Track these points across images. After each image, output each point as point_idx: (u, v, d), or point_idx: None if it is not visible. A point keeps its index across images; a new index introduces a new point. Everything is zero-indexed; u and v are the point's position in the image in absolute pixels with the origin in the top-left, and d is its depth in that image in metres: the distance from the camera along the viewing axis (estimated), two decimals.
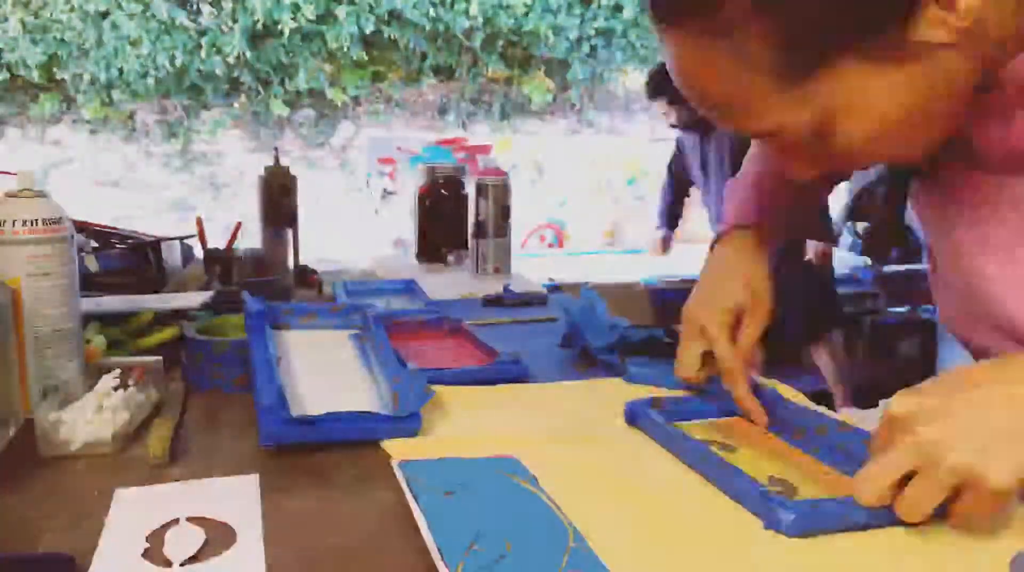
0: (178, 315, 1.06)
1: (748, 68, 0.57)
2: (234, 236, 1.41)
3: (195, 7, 5.38)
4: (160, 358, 0.87)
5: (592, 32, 6.25)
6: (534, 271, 2.49)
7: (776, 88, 0.58)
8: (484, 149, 5.20)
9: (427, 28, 5.82)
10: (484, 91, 6.20)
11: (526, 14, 6.01)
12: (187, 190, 5.34)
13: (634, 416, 0.77)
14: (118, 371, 0.81)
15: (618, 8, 6.27)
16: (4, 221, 0.78)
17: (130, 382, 0.81)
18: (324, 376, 0.88)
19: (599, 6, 6.21)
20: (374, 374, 0.88)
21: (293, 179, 1.54)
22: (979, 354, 0.75)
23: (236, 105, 5.50)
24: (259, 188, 1.53)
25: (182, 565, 0.52)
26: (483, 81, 6.18)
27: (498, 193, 1.61)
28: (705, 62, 0.59)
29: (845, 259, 3.97)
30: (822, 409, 0.80)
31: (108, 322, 1.01)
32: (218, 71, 5.42)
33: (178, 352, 0.94)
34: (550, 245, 5.10)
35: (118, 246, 1.43)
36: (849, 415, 0.83)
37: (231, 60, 5.39)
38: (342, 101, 5.74)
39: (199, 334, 0.91)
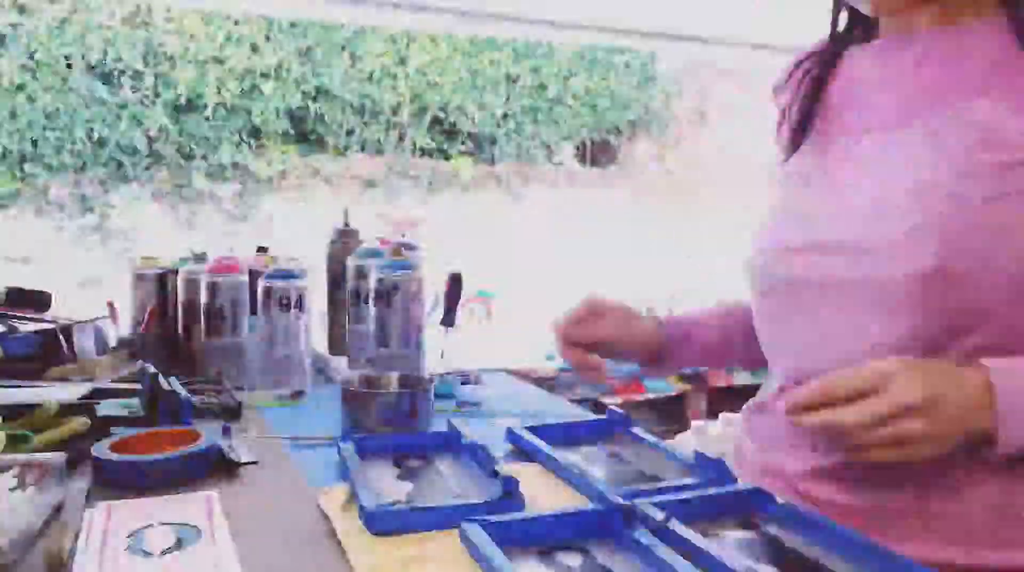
0: (87, 407, 0.99)
1: None
2: (150, 320, 1.34)
3: (116, 80, 5.31)
4: (63, 454, 0.81)
5: (518, 109, 6.40)
6: (464, 352, 2.42)
7: None
8: (412, 224, 5.21)
9: (354, 104, 5.86)
10: (412, 166, 6.24)
11: (453, 91, 6.12)
12: (102, 267, 5.15)
13: None
14: (16, 469, 0.75)
15: (542, 87, 6.45)
16: None
17: (29, 481, 0.74)
18: None
19: (523, 86, 6.37)
20: None
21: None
22: None
23: (157, 179, 5.39)
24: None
25: (161, 555, 0.60)
26: (411, 156, 6.23)
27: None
28: None
29: None
30: None
31: (9, 415, 0.94)
32: (138, 145, 5.33)
33: (87, 445, 0.88)
34: (480, 320, 5.09)
35: (25, 329, 1.35)
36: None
37: (152, 133, 5.31)
38: (268, 175, 5.69)
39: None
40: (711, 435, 1.52)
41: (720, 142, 6.95)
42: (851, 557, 0.65)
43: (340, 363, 1.45)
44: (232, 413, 1.09)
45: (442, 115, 6.22)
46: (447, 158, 6.34)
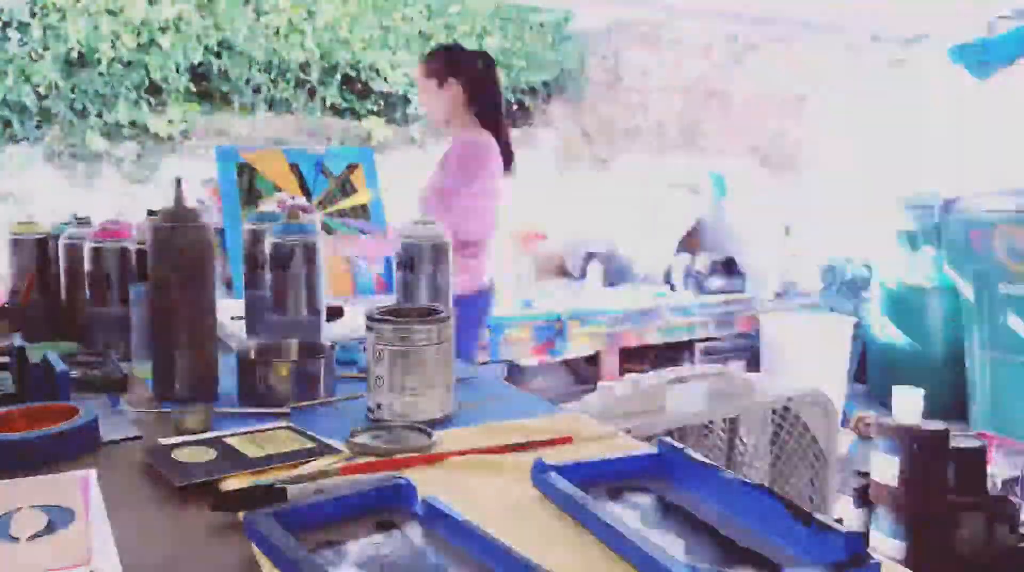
0: None
1: None
2: (28, 289, 1.26)
3: (1, 33, 4.97)
4: None
5: None
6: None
7: None
8: None
9: (260, 60, 5.64)
10: (323, 125, 6.06)
11: (364, 49, 5.95)
12: None
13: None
14: None
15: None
16: None
17: None
18: None
19: (437, 43, 6.24)
20: None
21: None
22: None
23: (48, 138, 5.09)
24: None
25: (29, 540, 0.58)
26: (321, 115, 6.05)
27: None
28: None
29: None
30: None
31: None
32: (27, 101, 5.02)
33: None
34: None
35: None
36: None
37: (42, 89, 5.00)
38: (168, 134, 5.44)
39: None
40: (617, 395, 1.54)
41: (633, 106, 6.98)
42: None
43: (238, 330, 1.40)
44: (117, 386, 1.03)
45: (353, 73, 6.05)
46: (359, 118, 6.18)
